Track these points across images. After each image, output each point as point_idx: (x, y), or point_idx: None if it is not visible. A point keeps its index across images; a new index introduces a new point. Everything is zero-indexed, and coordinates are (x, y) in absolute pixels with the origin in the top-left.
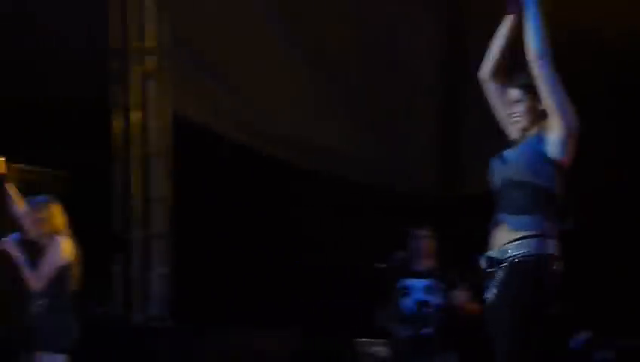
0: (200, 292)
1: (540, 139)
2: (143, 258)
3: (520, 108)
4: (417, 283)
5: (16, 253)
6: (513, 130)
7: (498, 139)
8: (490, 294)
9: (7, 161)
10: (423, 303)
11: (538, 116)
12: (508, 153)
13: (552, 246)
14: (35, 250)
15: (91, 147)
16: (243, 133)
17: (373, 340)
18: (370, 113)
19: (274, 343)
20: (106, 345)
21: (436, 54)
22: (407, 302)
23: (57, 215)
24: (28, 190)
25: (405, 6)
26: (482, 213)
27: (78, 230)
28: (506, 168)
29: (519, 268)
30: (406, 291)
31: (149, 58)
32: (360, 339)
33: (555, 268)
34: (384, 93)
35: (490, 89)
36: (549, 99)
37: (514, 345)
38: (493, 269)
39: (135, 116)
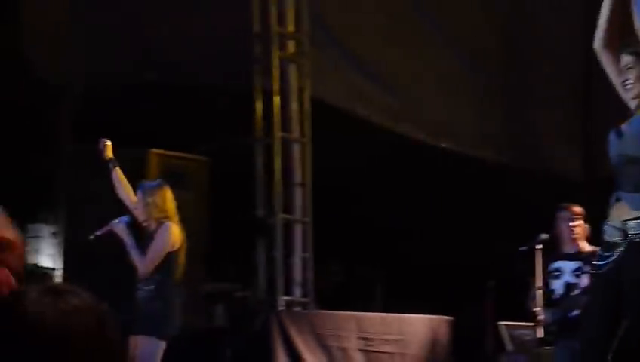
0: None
1: None
2: (286, 242)
3: (632, 75)
4: (567, 265)
5: (125, 236)
6: (629, 99)
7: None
8: (606, 265)
9: (152, 146)
10: (572, 285)
11: None
12: (624, 127)
13: None
14: (144, 234)
15: (234, 132)
16: (384, 117)
17: (518, 323)
18: (513, 100)
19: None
20: (249, 328)
21: (579, 42)
22: (557, 285)
23: (168, 200)
24: (170, 176)
25: None
26: None
27: (221, 215)
28: (622, 143)
29: (637, 249)
30: (557, 273)
31: (290, 42)
32: (504, 323)
33: None
34: (527, 79)
35: (605, 59)
36: None
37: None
38: (614, 241)
39: (276, 101)
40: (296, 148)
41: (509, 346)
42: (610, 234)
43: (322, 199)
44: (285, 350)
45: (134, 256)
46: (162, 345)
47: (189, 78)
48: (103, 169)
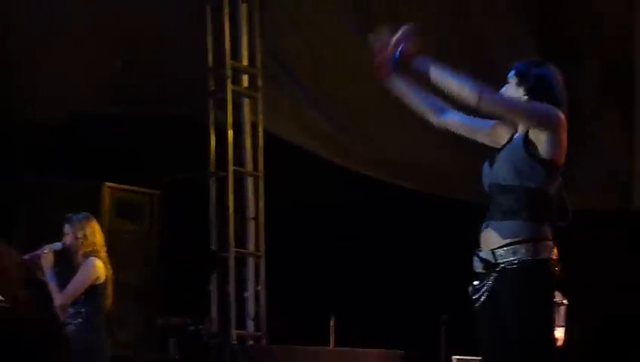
0: (293, 311)
1: (526, 139)
2: (238, 276)
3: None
4: None
5: (47, 265)
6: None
7: None
8: (480, 298)
9: (105, 179)
10: None
11: None
12: (496, 156)
13: (544, 250)
14: (71, 265)
15: (188, 166)
16: (335, 153)
17: (471, 357)
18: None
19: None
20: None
21: None
22: None
23: (96, 232)
24: (124, 209)
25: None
26: None
27: (174, 249)
28: (493, 172)
29: (510, 277)
30: None
31: (244, 77)
32: (458, 357)
33: (549, 272)
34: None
35: (455, 127)
36: (515, 118)
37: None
38: (484, 271)
39: (230, 135)
40: (249, 182)
41: None
42: (479, 266)
43: (276, 233)
44: None
45: (51, 286)
46: None
47: (144, 111)
48: (57, 200)
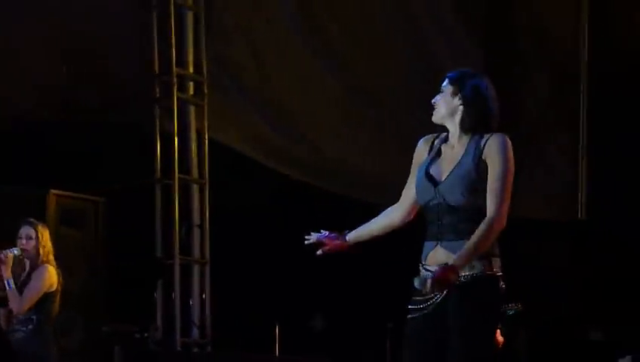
0: (239, 319)
1: (477, 152)
2: (184, 284)
3: (440, 97)
4: None
5: (7, 272)
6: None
7: None
8: (424, 309)
9: (51, 186)
10: None
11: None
12: (436, 168)
13: (496, 266)
14: (21, 271)
15: (134, 173)
16: (281, 162)
17: None
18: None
19: None
20: None
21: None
22: None
23: (46, 240)
24: (68, 216)
25: (445, 33)
26: None
27: (119, 256)
28: (440, 192)
29: (467, 288)
30: None
31: (190, 84)
32: None
33: (499, 287)
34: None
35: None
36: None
37: None
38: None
39: (176, 142)
40: (195, 190)
41: None
42: (428, 277)
43: (220, 240)
44: None
45: (9, 293)
46: None
47: (89, 117)
48: (6, 206)
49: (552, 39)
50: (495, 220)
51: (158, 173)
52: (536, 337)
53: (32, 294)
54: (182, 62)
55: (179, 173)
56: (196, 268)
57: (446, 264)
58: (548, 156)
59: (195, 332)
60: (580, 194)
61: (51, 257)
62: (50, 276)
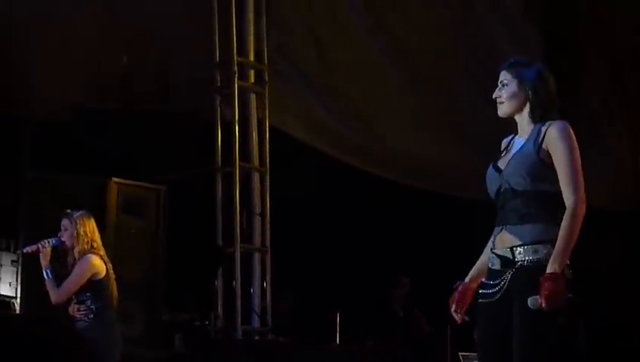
0: (299, 307)
1: (539, 146)
2: (244, 272)
3: (505, 93)
4: None
5: (44, 261)
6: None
7: None
8: (494, 294)
9: (112, 175)
10: None
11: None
12: (504, 159)
13: None
14: (68, 262)
15: (195, 161)
16: (342, 150)
17: None
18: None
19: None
20: (208, 358)
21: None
22: None
23: (94, 230)
24: (128, 205)
25: (505, 21)
26: None
27: (180, 244)
28: (504, 177)
29: (531, 274)
30: None
31: (251, 72)
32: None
33: (566, 275)
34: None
35: None
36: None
37: (527, 353)
38: (500, 269)
39: (236, 130)
40: (255, 178)
41: None
42: (495, 263)
43: (282, 229)
44: None
45: (48, 284)
46: None
47: (150, 106)
48: (61, 196)
49: (612, 27)
50: (577, 207)
51: (219, 162)
52: (595, 330)
53: (70, 285)
54: (243, 51)
55: (240, 161)
56: (257, 256)
57: (550, 274)
58: (609, 144)
59: (256, 320)
60: None
61: (95, 246)
62: (90, 265)
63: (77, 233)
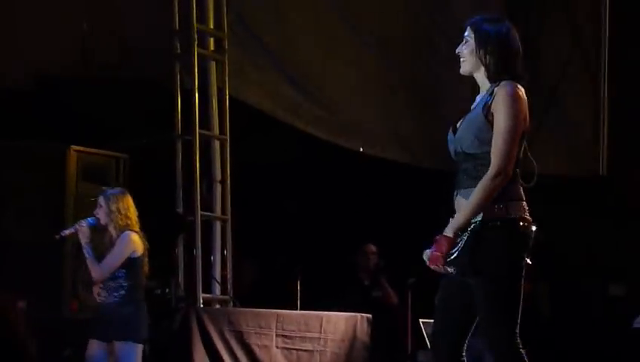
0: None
1: (486, 108)
2: (205, 240)
3: (466, 49)
4: None
5: (84, 240)
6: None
7: None
8: (453, 258)
9: (71, 142)
10: None
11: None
12: (458, 123)
13: (516, 209)
14: (105, 240)
15: (154, 129)
16: (303, 120)
17: None
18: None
19: (341, 323)
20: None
21: None
22: None
23: (129, 207)
24: (87, 173)
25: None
26: None
27: (140, 212)
28: (457, 140)
29: (480, 235)
30: None
31: (211, 40)
32: (425, 320)
33: (519, 230)
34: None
35: None
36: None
37: (490, 313)
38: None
39: (196, 98)
40: (216, 146)
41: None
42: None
43: (241, 196)
44: (204, 347)
45: (90, 262)
46: (140, 348)
47: (109, 74)
48: (21, 163)
49: None
50: (493, 177)
51: (179, 129)
52: (557, 291)
53: (110, 262)
54: (202, 18)
55: (199, 128)
56: (217, 225)
57: (440, 237)
58: (568, 109)
59: (217, 288)
60: (601, 150)
61: (132, 223)
62: (130, 242)
63: (110, 210)
